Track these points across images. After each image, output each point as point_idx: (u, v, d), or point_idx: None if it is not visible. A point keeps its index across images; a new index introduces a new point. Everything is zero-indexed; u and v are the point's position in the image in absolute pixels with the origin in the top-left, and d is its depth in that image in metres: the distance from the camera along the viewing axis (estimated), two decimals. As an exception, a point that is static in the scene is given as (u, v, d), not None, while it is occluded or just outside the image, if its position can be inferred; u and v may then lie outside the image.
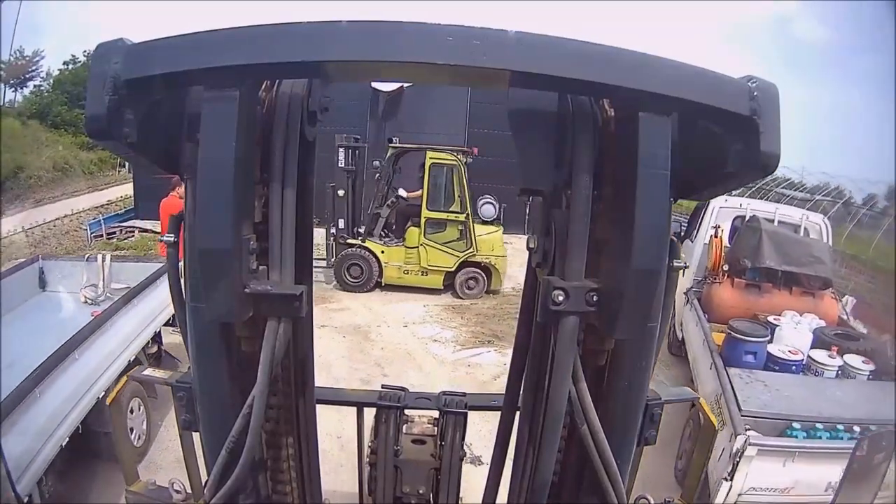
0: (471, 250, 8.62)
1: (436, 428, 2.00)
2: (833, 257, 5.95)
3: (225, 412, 1.21)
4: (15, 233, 11.76)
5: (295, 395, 1.45)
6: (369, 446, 1.98)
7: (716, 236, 5.92)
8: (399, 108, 14.15)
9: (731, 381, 3.94)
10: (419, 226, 8.61)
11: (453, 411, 1.90)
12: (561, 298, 1.06)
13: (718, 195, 1.21)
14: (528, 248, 1.39)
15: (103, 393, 3.65)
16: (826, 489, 3.39)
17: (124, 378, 1.72)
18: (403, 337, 7.27)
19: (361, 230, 8.65)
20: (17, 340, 3.82)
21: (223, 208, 1.00)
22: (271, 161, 1.16)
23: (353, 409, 2.03)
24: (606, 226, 1.11)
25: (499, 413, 1.68)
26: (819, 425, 3.63)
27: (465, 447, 1.92)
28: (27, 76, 22.33)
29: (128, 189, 15.81)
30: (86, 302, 4.96)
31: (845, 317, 5.68)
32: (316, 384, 1.57)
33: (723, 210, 6.59)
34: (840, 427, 3.63)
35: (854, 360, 4.47)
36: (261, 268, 1.15)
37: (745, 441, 3.30)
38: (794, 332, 4.86)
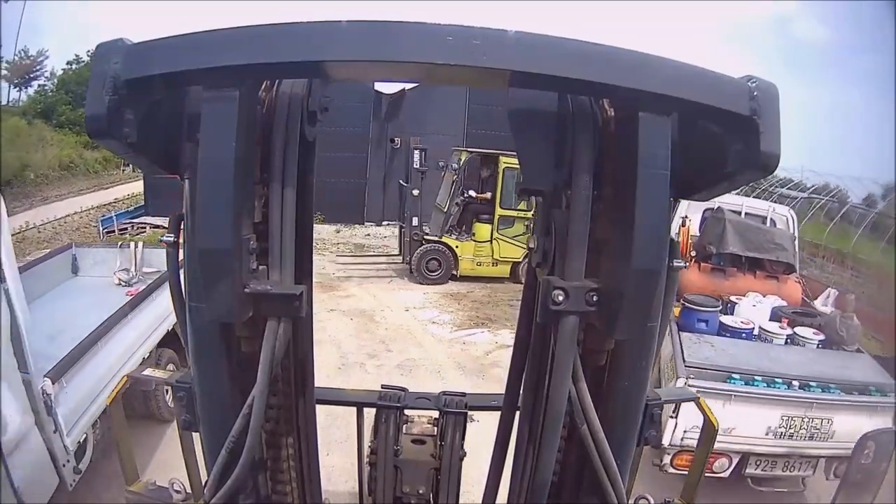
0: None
1: (436, 428, 2.00)
2: (796, 245, 6.49)
3: (225, 412, 1.21)
4: (27, 229, 12.13)
5: (295, 395, 1.45)
6: (369, 446, 1.98)
7: (683, 225, 6.50)
8: (400, 109, 14.71)
9: (681, 342, 4.54)
10: (487, 222, 9.68)
11: (453, 411, 1.90)
12: (561, 298, 1.06)
13: (719, 195, 1.21)
14: (528, 248, 1.39)
15: (148, 354, 4.40)
16: (766, 432, 3.99)
17: (124, 378, 1.72)
18: (405, 320, 7.93)
19: (426, 227, 9.61)
20: (57, 316, 4.30)
21: (223, 208, 1.00)
22: (271, 161, 1.16)
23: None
24: (606, 226, 1.11)
25: (499, 413, 1.68)
26: (758, 378, 4.11)
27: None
28: (31, 76, 22.41)
29: (132, 187, 16.33)
30: (119, 284, 5.45)
31: (808, 299, 6.22)
32: (316, 384, 1.57)
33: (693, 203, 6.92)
34: (778, 380, 4.09)
35: (805, 331, 4.95)
36: (261, 268, 1.15)
37: (685, 383, 3.92)
38: (751, 308, 5.38)
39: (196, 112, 1.02)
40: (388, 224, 14.14)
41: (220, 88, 0.97)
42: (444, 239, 9.68)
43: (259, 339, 1.16)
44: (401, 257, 10.21)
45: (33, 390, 2.88)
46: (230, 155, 0.98)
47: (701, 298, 5.24)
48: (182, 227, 1.22)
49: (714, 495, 4.13)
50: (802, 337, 4.91)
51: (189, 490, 1.62)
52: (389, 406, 1.91)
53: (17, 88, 22.05)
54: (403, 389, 1.99)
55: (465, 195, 9.85)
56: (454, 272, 9.79)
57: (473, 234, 9.90)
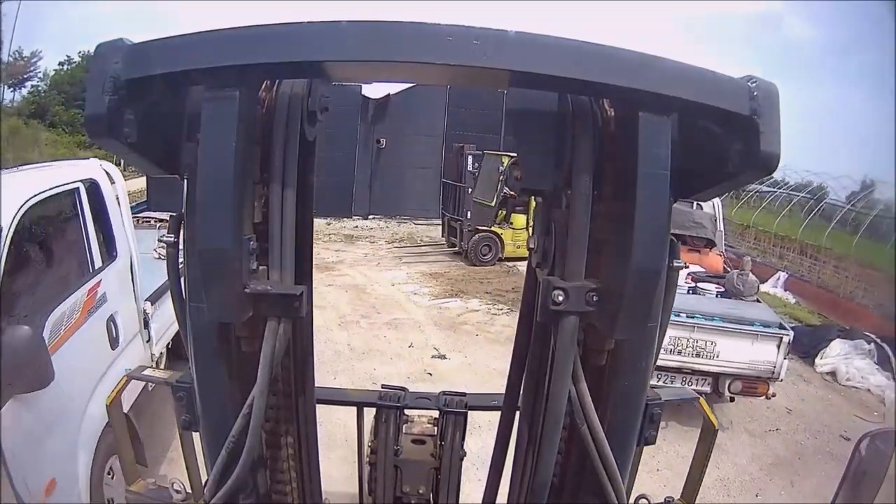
0: None
1: (436, 428, 2.00)
2: (718, 224, 7.69)
3: (225, 412, 1.21)
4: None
5: (295, 395, 1.45)
6: (369, 446, 1.98)
7: None
8: (386, 112, 15.72)
9: None
10: (522, 213, 11.43)
11: (453, 411, 1.90)
12: (561, 298, 1.06)
13: (719, 195, 1.21)
14: (528, 248, 1.39)
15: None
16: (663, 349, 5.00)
17: (124, 378, 1.71)
18: (391, 292, 9.42)
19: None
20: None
21: (223, 208, 1.00)
22: (271, 161, 1.16)
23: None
24: (606, 226, 1.11)
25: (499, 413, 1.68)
26: None
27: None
28: (25, 77, 22.34)
29: (129, 185, 16.37)
30: (159, 258, 5.62)
31: (728, 269, 7.26)
32: (316, 384, 1.57)
33: None
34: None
35: (706, 285, 6.38)
36: (261, 268, 1.15)
37: None
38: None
39: (196, 112, 1.02)
40: (373, 217, 15.50)
41: (220, 88, 0.97)
42: (493, 228, 11.54)
43: (259, 339, 1.16)
44: (444, 243, 12.65)
45: (138, 308, 3.93)
46: (230, 155, 0.98)
47: None
48: (182, 227, 1.22)
49: None
50: (702, 288, 6.27)
51: (189, 490, 1.62)
52: (389, 406, 1.91)
53: (12, 89, 21.99)
54: (403, 389, 1.99)
55: (505, 192, 11.42)
56: (500, 255, 11.56)
57: (512, 224, 11.63)
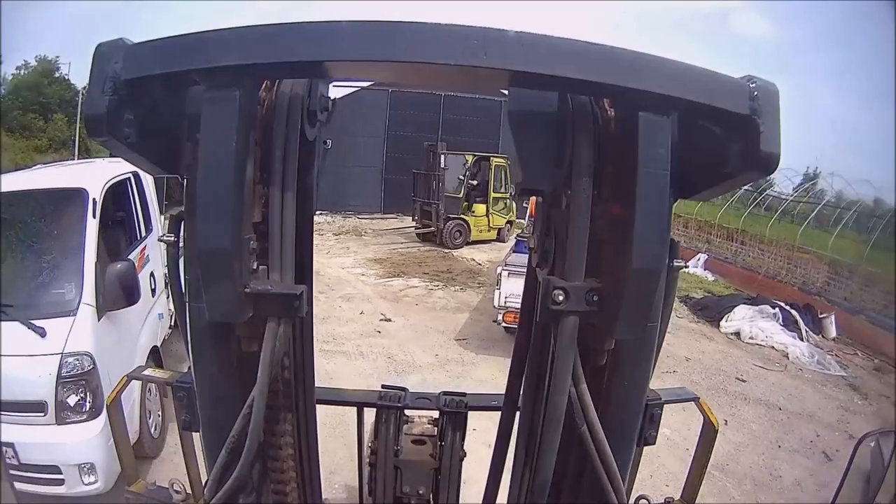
0: (511, 215, 15.05)
1: (435, 428, 2.00)
2: None
3: (225, 412, 1.21)
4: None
5: (295, 395, 1.45)
6: (369, 446, 1.98)
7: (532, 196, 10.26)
8: (331, 116, 16.29)
9: (510, 254, 8.20)
10: (482, 203, 14.32)
11: (453, 411, 1.90)
12: (561, 298, 1.06)
13: (719, 195, 1.22)
14: (528, 248, 1.39)
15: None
16: None
17: (123, 378, 1.71)
18: (342, 274, 10.79)
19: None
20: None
21: (223, 208, 1.00)
22: (271, 161, 1.16)
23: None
24: (606, 226, 1.10)
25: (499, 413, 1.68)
26: None
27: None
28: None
29: None
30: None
31: None
32: (316, 384, 1.57)
33: None
34: None
35: None
36: (261, 268, 1.15)
37: (500, 269, 7.10)
38: None
39: (196, 112, 1.02)
40: (320, 213, 16.72)
41: (220, 88, 0.97)
42: (461, 216, 14.04)
43: (259, 339, 1.16)
44: (412, 228, 15.06)
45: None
46: (230, 155, 0.98)
47: (528, 234, 9.40)
48: (182, 226, 1.22)
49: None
50: None
51: (189, 490, 1.62)
52: (389, 406, 1.91)
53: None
54: (403, 389, 1.99)
55: (469, 185, 14.25)
56: (468, 238, 14.03)
57: (474, 212, 14.28)
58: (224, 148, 0.97)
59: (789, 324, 9.14)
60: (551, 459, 1.18)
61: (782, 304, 9.59)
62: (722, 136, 1.03)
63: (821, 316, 9.90)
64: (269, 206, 1.17)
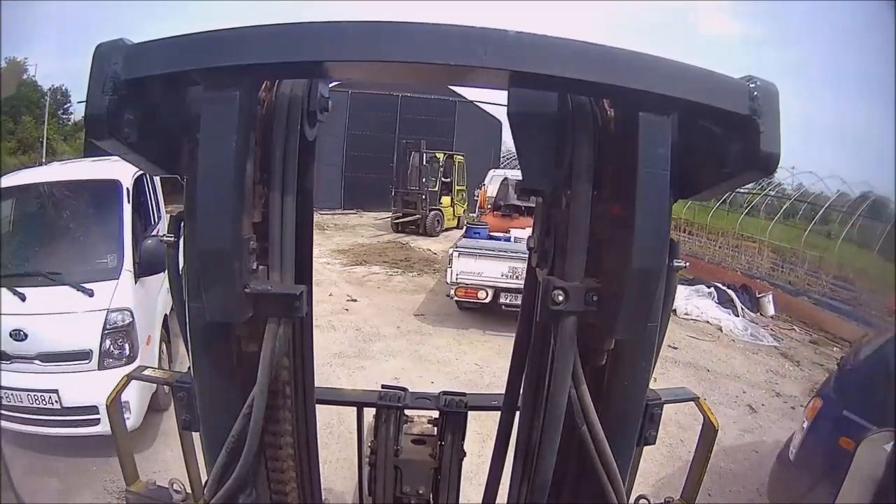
0: (466, 205, 17.39)
1: (435, 428, 2.00)
2: None
3: (225, 412, 1.21)
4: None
5: (295, 395, 1.45)
6: (369, 446, 1.98)
7: (480, 188, 12.74)
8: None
9: (461, 239, 9.18)
10: (448, 195, 16.68)
11: (453, 411, 1.90)
12: (561, 298, 1.06)
13: (719, 195, 1.22)
14: (528, 248, 1.39)
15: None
16: (501, 275, 7.64)
17: (123, 378, 1.71)
18: None
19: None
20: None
21: (223, 209, 1.00)
22: (271, 161, 1.16)
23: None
24: (606, 226, 1.10)
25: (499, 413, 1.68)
26: (494, 250, 8.08)
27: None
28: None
29: None
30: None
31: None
32: (316, 384, 1.57)
33: (495, 176, 12.58)
34: (507, 251, 7.94)
35: None
36: (261, 268, 1.15)
37: (452, 250, 8.04)
38: (522, 233, 8.88)
39: (196, 112, 1.02)
40: None
41: (220, 88, 0.97)
42: (438, 207, 16.24)
43: (259, 339, 1.16)
44: (374, 221, 17.58)
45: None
46: (230, 155, 0.98)
47: (477, 223, 10.79)
48: (182, 226, 1.22)
49: (483, 320, 7.99)
50: None
51: (189, 490, 1.62)
52: (389, 406, 1.91)
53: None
54: (404, 389, 1.99)
55: (442, 180, 16.57)
56: (443, 227, 16.15)
57: (442, 203, 16.53)
58: (224, 148, 0.97)
59: (725, 302, 9.78)
60: (551, 459, 1.18)
61: (718, 284, 10.28)
62: (722, 136, 1.03)
63: (759, 295, 10.60)
64: (269, 206, 1.17)
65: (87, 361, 4.15)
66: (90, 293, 4.22)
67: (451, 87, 18.68)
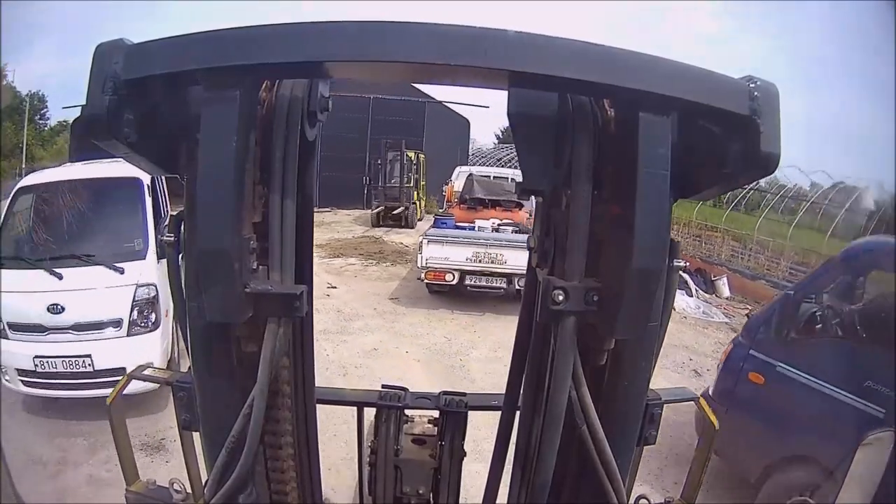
0: (424, 198, 19.42)
1: (436, 428, 2.00)
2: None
3: (225, 412, 1.21)
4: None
5: (295, 395, 1.45)
6: (369, 446, 1.98)
7: (447, 184, 14.47)
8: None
9: (427, 231, 10.07)
10: (416, 190, 18.27)
11: (453, 411, 1.90)
12: (561, 298, 1.06)
13: (719, 195, 1.22)
14: (528, 248, 1.39)
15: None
16: (466, 259, 8.75)
17: (124, 377, 1.71)
18: None
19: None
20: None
21: (223, 208, 1.00)
22: (271, 161, 1.16)
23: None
24: (606, 226, 1.10)
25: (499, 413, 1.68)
26: (462, 237, 9.45)
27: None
28: None
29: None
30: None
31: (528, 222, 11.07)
32: (316, 384, 1.57)
33: (461, 173, 14.12)
34: (471, 238, 9.36)
35: (505, 227, 10.67)
36: (261, 268, 1.15)
37: (422, 239, 9.21)
38: (486, 223, 10.99)
39: (196, 112, 1.02)
40: None
41: (220, 89, 0.97)
42: (413, 202, 18.02)
43: (259, 339, 1.16)
44: (351, 216, 19.26)
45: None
46: (230, 155, 0.98)
47: (444, 214, 12.37)
48: (182, 226, 1.22)
49: (450, 302, 9.27)
50: (504, 228, 10.63)
51: (189, 490, 1.62)
52: (390, 406, 1.91)
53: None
54: (404, 389, 1.99)
55: (415, 177, 18.35)
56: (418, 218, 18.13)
57: (413, 198, 18.09)
58: (224, 148, 0.97)
59: (679, 284, 10.82)
60: (551, 459, 1.18)
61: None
62: (722, 136, 1.03)
63: (713, 278, 11.42)
64: (269, 206, 1.17)
65: (118, 329, 5.05)
66: (121, 271, 5.14)
67: (420, 88, 20.82)
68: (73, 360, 4.93)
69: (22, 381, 5.02)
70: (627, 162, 1.00)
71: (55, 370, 4.93)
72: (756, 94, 0.97)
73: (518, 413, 1.54)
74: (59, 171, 6.30)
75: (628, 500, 1.35)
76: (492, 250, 8.80)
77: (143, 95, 0.99)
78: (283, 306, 1.14)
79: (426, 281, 9.17)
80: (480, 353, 7.30)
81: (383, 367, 6.68)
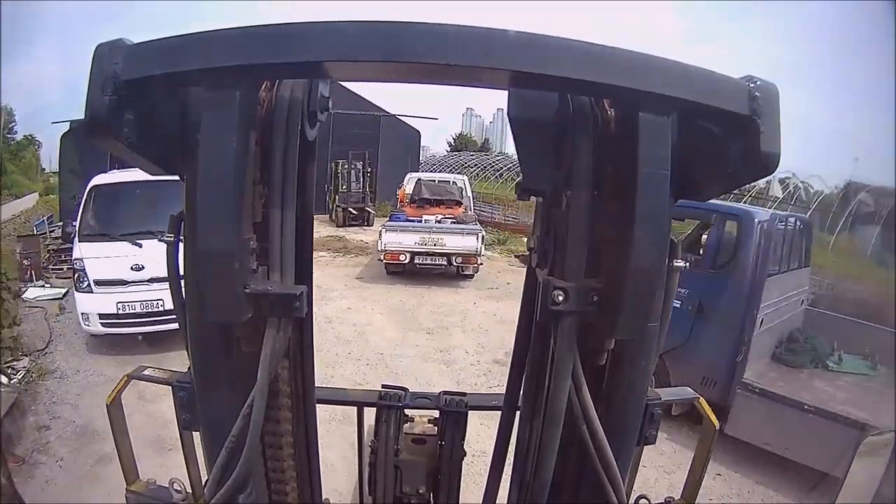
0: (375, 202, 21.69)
1: (436, 428, 2.00)
2: (465, 192, 15.40)
3: (225, 412, 1.21)
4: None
5: (295, 395, 1.45)
6: (369, 446, 1.98)
7: (400, 188, 16.20)
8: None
9: (386, 223, 12.70)
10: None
11: (453, 411, 1.90)
12: (561, 298, 1.06)
13: (718, 195, 1.21)
14: (528, 248, 1.39)
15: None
16: (414, 244, 11.67)
17: (124, 378, 1.71)
18: None
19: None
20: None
21: (223, 209, 1.00)
22: (271, 161, 1.16)
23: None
24: (606, 226, 1.10)
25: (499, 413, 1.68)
26: (411, 227, 12.28)
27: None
28: None
29: (19, 205, 19.96)
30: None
31: (465, 216, 13.74)
32: (316, 384, 1.57)
33: (411, 178, 15.79)
34: (418, 228, 12.12)
35: (447, 220, 12.82)
36: (261, 268, 1.15)
37: (381, 227, 12.11)
38: (430, 217, 12.89)
39: (196, 112, 1.02)
40: None
41: (220, 89, 0.97)
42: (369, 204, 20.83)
43: (259, 339, 1.16)
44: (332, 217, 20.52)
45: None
46: (230, 155, 0.98)
47: (398, 211, 14.73)
48: (182, 226, 1.22)
49: (404, 280, 12.17)
50: (445, 220, 12.72)
51: (189, 490, 1.62)
52: (390, 406, 1.91)
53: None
54: (404, 389, 1.99)
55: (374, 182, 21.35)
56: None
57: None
58: (224, 148, 0.97)
59: None
60: (551, 459, 1.18)
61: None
62: (722, 136, 1.03)
63: None
64: (268, 206, 1.17)
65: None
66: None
67: (375, 102, 23.39)
68: (149, 302, 7.21)
69: (102, 322, 7.29)
70: (627, 162, 1.00)
71: (134, 311, 7.24)
72: (756, 94, 0.97)
73: (518, 413, 1.54)
74: (117, 175, 8.16)
75: (628, 500, 1.35)
76: (434, 236, 11.57)
77: (143, 96, 0.99)
78: (283, 307, 1.14)
79: (385, 261, 11.74)
80: (426, 310, 10.48)
81: (356, 318, 9.61)
